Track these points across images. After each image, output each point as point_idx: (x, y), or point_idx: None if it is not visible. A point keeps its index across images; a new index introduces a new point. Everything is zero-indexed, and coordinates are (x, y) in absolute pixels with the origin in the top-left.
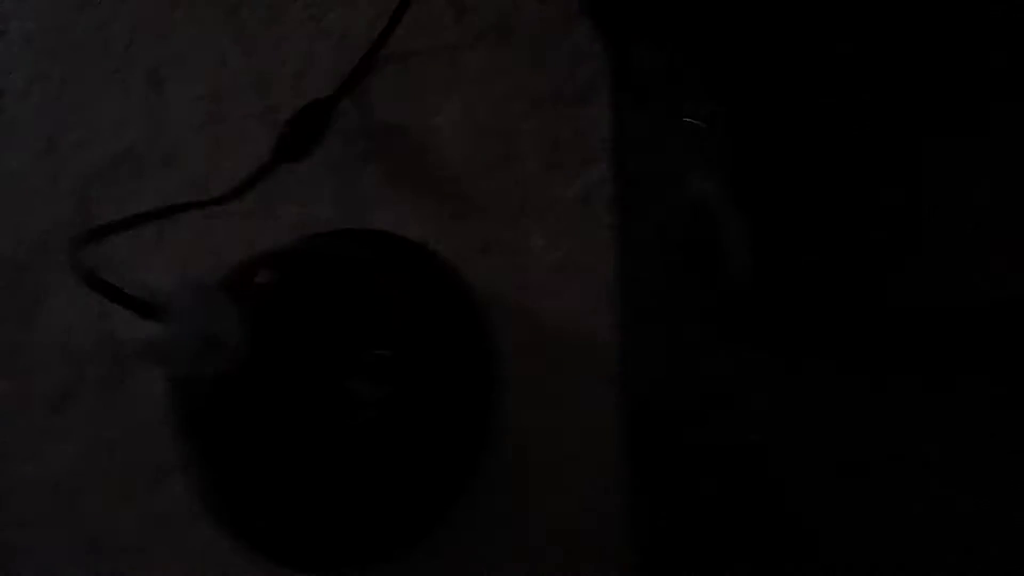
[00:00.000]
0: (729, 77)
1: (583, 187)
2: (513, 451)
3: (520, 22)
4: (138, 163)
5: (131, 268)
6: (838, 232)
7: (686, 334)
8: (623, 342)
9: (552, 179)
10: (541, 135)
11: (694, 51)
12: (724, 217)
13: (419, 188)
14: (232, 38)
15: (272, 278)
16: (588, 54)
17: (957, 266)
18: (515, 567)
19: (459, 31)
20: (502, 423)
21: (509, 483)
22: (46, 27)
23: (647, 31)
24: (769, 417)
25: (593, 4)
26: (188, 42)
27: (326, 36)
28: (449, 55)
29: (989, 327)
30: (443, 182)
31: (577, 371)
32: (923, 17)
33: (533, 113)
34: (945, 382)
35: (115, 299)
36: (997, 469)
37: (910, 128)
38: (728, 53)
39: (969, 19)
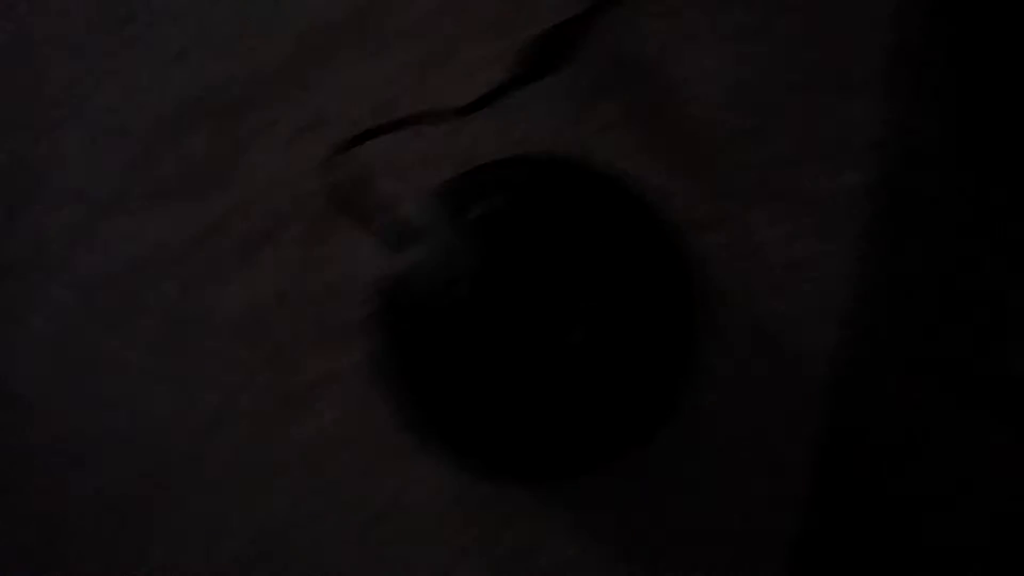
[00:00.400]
0: None
1: (838, 187)
2: (705, 416)
3: None
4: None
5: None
6: None
7: (909, 382)
8: (839, 361)
9: (804, 169)
10: (801, 118)
11: None
12: None
13: (652, 137)
14: None
15: (500, 205)
16: (873, 43)
17: None
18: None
19: None
20: (702, 377)
21: (692, 449)
22: None
23: None
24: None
25: None
26: None
27: None
28: (717, 4)
29: None
30: (679, 138)
31: (784, 373)
32: None
33: (796, 92)
34: None
35: (363, 226)
36: None
37: None
38: None
39: None
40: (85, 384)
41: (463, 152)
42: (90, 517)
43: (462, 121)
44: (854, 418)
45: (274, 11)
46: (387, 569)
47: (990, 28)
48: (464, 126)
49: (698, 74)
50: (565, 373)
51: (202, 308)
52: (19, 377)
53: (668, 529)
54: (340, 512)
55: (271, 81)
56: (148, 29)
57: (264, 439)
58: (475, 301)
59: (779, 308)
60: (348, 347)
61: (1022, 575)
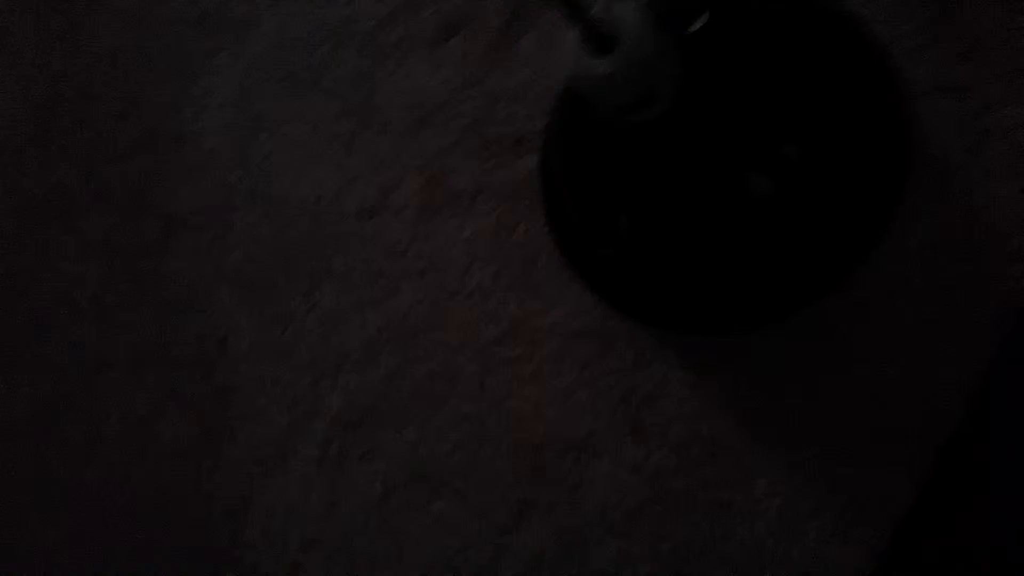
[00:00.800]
0: None
1: None
2: (880, 291)
3: None
4: None
5: None
6: None
7: None
8: None
9: None
10: None
11: None
12: None
13: None
14: None
15: (706, 25)
16: None
17: None
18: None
19: None
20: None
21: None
22: None
23: None
24: None
25: None
26: None
27: None
28: None
29: None
30: None
31: (982, 270)
32: None
33: None
34: None
35: (576, 20)
36: None
37: None
38: None
39: None
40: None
41: None
42: None
43: None
44: None
45: None
46: (508, 389)
47: None
48: None
49: None
50: (747, 219)
51: (376, 93)
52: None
53: (817, 404)
54: (471, 325)
55: None
56: None
57: (406, 240)
58: (666, 126)
59: (999, 191)
60: (513, 159)
61: None
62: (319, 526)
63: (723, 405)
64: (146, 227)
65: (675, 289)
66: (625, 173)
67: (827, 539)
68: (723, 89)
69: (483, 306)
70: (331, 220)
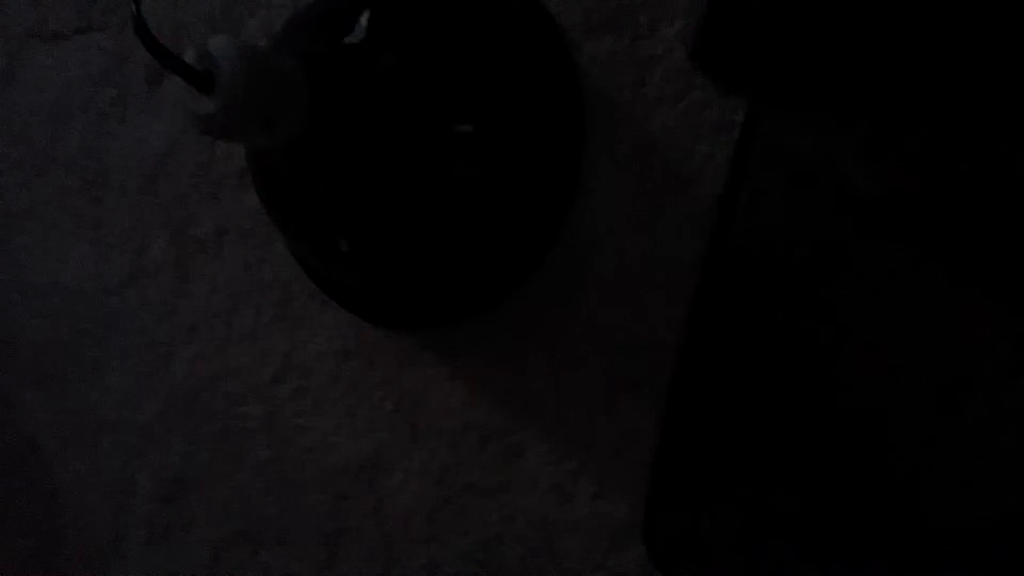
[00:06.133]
0: None
1: None
2: (587, 244)
3: None
4: None
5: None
6: None
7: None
8: (729, 183)
9: None
10: None
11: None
12: None
13: None
14: None
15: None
16: None
17: None
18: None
19: None
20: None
21: (577, 276)
22: None
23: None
24: (851, 311)
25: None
26: None
27: None
28: None
29: None
30: None
31: (671, 197)
32: None
33: None
34: None
35: (173, 68)
36: None
37: None
38: None
39: None
40: None
41: None
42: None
43: None
44: (746, 236)
45: None
46: (295, 425)
47: None
48: None
49: None
50: (449, 200)
51: (107, 156)
52: None
53: (558, 367)
54: (248, 369)
55: None
56: None
57: (170, 299)
58: (315, 144)
59: (668, 122)
60: (243, 193)
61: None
62: None
63: (481, 389)
64: None
65: (407, 289)
66: (317, 196)
67: (598, 495)
68: (380, 88)
69: (254, 347)
70: (98, 299)
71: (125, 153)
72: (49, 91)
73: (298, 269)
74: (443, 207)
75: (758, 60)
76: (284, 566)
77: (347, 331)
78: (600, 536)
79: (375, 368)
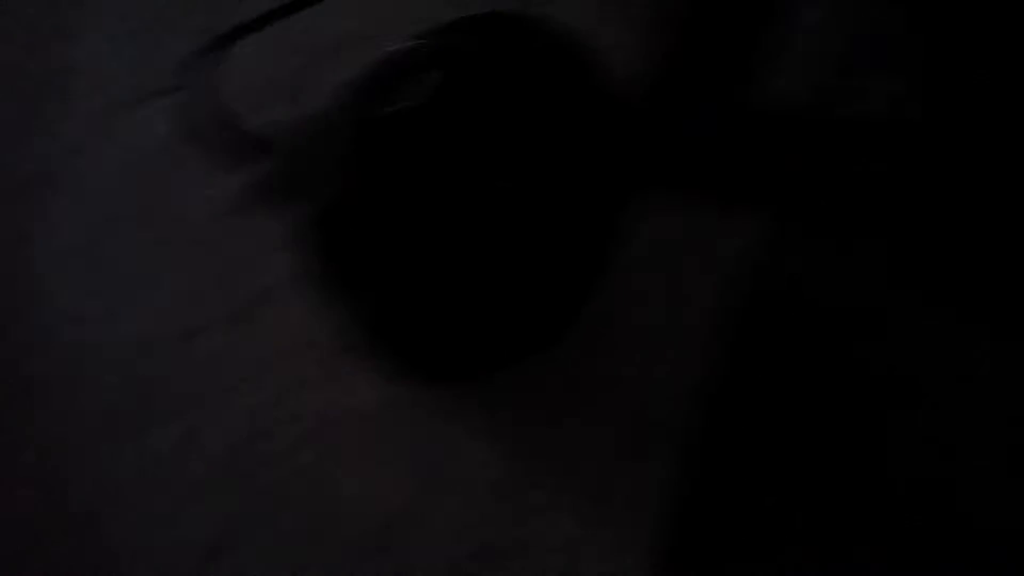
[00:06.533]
0: None
1: None
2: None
3: None
4: None
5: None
6: None
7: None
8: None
9: None
10: None
11: None
12: None
13: None
14: None
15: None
16: None
17: None
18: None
19: None
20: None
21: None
22: None
23: None
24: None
25: None
26: None
27: None
28: None
29: None
30: None
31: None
32: None
33: None
34: None
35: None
36: None
37: None
38: None
39: None
40: None
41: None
42: None
43: None
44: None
45: None
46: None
47: None
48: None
49: None
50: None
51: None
52: None
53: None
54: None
55: None
56: None
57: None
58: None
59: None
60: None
61: None
62: None
63: (510, 443)
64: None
65: (453, 343)
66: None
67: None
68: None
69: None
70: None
71: (191, 196)
72: None
73: (331, 327)
74: (496, 259)
75: None
76: None
77: (378, 388)
78: None
79: (404, 424)
